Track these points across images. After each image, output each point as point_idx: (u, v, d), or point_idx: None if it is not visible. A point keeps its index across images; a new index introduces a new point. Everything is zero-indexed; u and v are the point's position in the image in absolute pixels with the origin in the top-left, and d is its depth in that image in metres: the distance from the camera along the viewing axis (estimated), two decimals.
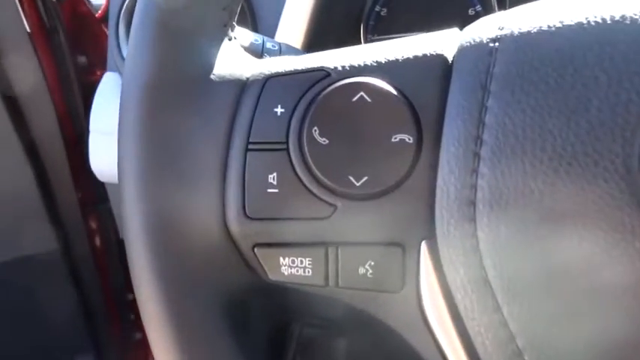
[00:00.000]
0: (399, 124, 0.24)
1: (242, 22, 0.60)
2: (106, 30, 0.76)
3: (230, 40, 0.29)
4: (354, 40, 0.64)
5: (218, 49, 0.27)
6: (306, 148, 0.25)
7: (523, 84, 0.22)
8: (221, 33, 0.28)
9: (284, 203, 0.26)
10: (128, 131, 0.26)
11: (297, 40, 0.55)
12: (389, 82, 0.25)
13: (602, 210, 0.20)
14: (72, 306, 0.88)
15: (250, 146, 0.26)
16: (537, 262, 0.22)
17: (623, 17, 0.21)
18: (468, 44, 0.24)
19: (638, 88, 0.20)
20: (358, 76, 0.25)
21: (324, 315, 0.31)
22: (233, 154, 0.26)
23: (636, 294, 0.20)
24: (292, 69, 0.27)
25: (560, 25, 0.22)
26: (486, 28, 0.24)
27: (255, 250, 0.27)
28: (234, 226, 0.26)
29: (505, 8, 0.59)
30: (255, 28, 0.64)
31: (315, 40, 0.56)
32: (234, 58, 0.28)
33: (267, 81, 0.27)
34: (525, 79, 0.22)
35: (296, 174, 0.25)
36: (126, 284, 0.90)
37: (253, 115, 0.26)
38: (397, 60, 0.25)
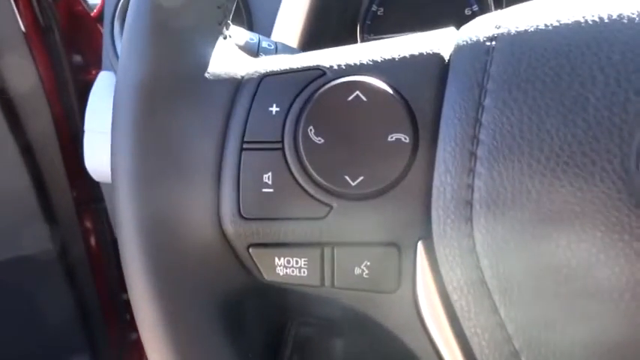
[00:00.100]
0: (395, 124, 0.24)
1: (238, 21, 0.60)
2: (101, 29, 0.76)
3: (225, 38, 0.28)
4: (351, 40, 0.64)
5: (213, 48, 0.27)
6: (301, 148, 0.25)
7: (520, 83, 0.22)
8: (216, 31, 0.28)
9: (279, 203, 0.25)
10: (122, 130, 0.26)
11: (293, 39, 0.55)
12: (385, 81, 0.25)
13: (599, 210, 0.20)
14: (67, 306, 0.87)
15: (245, 145, 0.26)
16: (534, 263, 0.21)
17: (620, 16, 0.21)
18: (465, 43, 0.24)
19: (635, 87, 0.20)
20: (354, 75, 0.25)
21: (320, 315, 0.31)
22: (228, 153, 0.26)
23: (634, 295, 0.20)
24: (288, 68, 0.27)
25: (557, 23, 0.22)
26: (483, 26, 0.24)
27: (250, 250, 0.26)
28: (229, 226, 0.26)
29: (502, 8, 0.59)
30: (250, 27, 0.64)
31: (311, 40, 0.56)
32: (229, 56, 0.28)
33: (263, 80, 0.26)
34: (522, 78, 0.22)
35: (291, 174, 0.25)
36: (121, 284, 0.90)
37: (248, 114, 0.26)
38: (393, 59, 0.25)
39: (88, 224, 0.86)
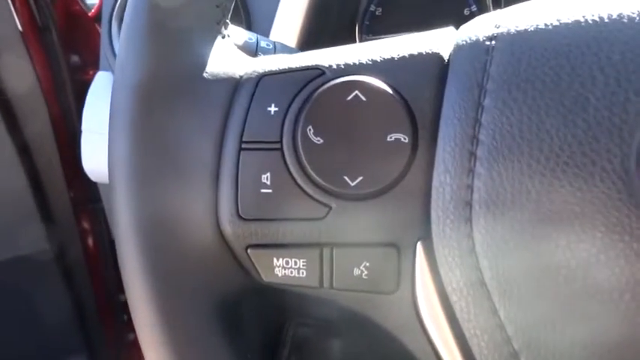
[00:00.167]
0: (395, 124, 0.24)
1: (236, 21, 0.59)
2: (99, 29, 0.75)
3: (223, 37, 0.28)
4: (349, 40, 0.64)
5: (211, 47, 0.27)
6: (300, 148, 0.25)
7: (520, 83, 0.22)
8: (214, 31, 0.27)
9: (278, 204, 0.25)
10: (119, 130, 0.26)
11: (291, 39, 0.55)
12: (384, 81, 0.25)
13: (599, 211, 0.20)
14: (64, 306, 0.87)
15: (244, 145, 0.26)
16: (534, 264, 0.21)
17: (620, 16, 0.21)
18: (464, 43, 0.24)
19: (635, 87, 0.20)
20: (353, 74, 0.25)
21: (319, 315, 0.31)
22: (226, 153, 0.26)
23: (634, 295, 0.20)
24: (286, 67, 0.26)
25: (557, 23, 0.22)
26: (483, 26, 0.24)
27: (249, 251, 0.26)
28: (227, 227, 0.26)
29: (500, 8, 0.59)
30: (249, 27, 0.64)
31: (310, 39, 0.56)
32: (228, 56, 0.28)
33: (261, 79, 0.26)
34: (522, 78, 0.22)
35: (290, 174, 0.25)
36: (119, 285, 0.90)
37: (247, 113, 0.26)
38: (393, 58, 0.25)
39: (86, 224, 0.86)
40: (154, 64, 0.25)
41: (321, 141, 0.25)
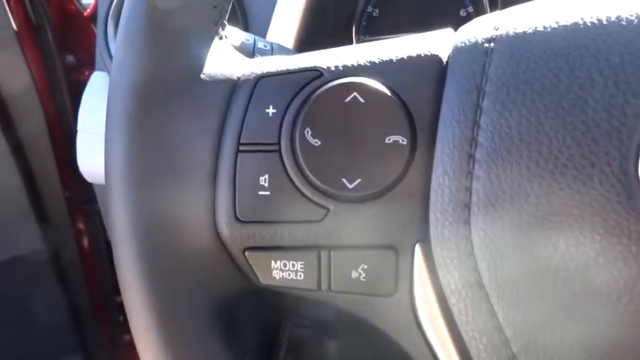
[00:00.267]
0: (393, 126, 0.24)
1: (233, 21, 0.59)
2: (94, 29, 0.75)
3: (221, 39, 0.28)
4: (346, 41, 0.64)
5: (208, 48, 0.27)
6: (298, 150, 0.25)
7: (518, 85, 0.22)
8: (212, 31, 0.27)
9: (275, 206, 0.25)
10: (116, 131, 0.25)
11: (288, 40, 0.55)
12: (383, 83, 0.25)
13: (598, 213, 0.20)
14: (59, 307, 0.87)
15: (241, 147, 0.25)
16: (533, 266, 0.21)
17: (619, 18, 0.21)
18: (463, 44, 0.24)
19: (634, 90, 0.20)
20: (351, 76, 0.25)
21: (316, 316, 0.31)
22: (224, 155, 0.26)
23: (632, 298, 0.20)
24: (284, 69, 0.26)
25: (555, 25, 0.22)
26: (481, 28, 0.24)
27: (246, 253, 0.26)
28: (225, 230, 0.26)
29: (497, 9, 0.59)
30: (246, 28, 0.63)
31: (307, 41, 0.56)
32: (225, 57, 0.28)
33: (259, 81, 0.26)
34: (521, 80, 0.22)
35: (288, 176, 0.25)
36: (114, 286, 0.89)
37: (244, 115, 0.26)
38: (391, 60, 0.25)
39: (81, 225, 0.86)
40: (152, 65, 0.25)
41: (319, 143, 0.25)
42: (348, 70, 0.25)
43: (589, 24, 0.22)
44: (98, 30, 0.68)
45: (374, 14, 0.63)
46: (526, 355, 0.22)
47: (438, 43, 0.25)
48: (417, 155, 0.24)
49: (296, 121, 0.25)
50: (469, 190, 0.22)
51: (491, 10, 0.60)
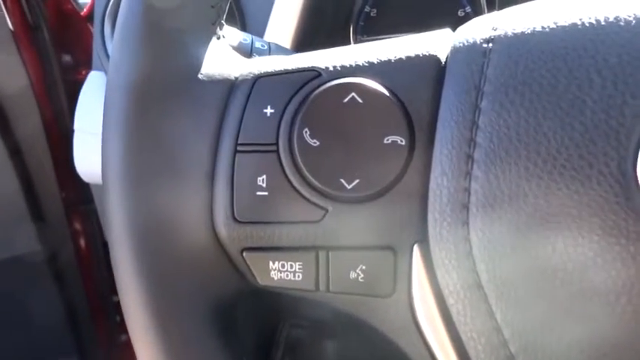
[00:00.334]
0: (391, 126, 0.24)
1: (230, 21, 0.59)
2: (91, 28, 0.75)
3: (218, 38, 0.28)
4: (344, 41, 0.64)
5: (206, 48, 0.27)
6: (296, 150, 0.25)
7: (517, 85, 0.22)
8: (209, 31, 0.27)
9: (273, 206, 0.25)
10: (113, 131, 0.25)
11: (286, 40, 0.55)
12: (381, 83, 0.24)
13: (596, 214, 0.20)
14: (56, 307, 0.87)
15: (239, 148, 0.25)
16: (531, 267, 0.21)
17: (617, 18, 0.21)
18: (462, 45, 0.24)
19: (632, 90, 0.20)
20: (350, 76, 0.25)
21: (314, 317, 0.31)
22: (221, 155, 0.25)
23: (630, 298, 0.20)
24: (282, 69, 0.26)
25: (554, 25, 0.22)
26: (480, 28, 0.24)
27: (244, 254, 0.26)
28: (223, 230, 0.26)
29: (494, 9, 0.59)
30: (243, 27, 0.63)
31: (305, 41, 0.56)
32: (223, 57, 0.27)
33: (257, 81, 0.26)
34: (519, 81, 0.22)
35: (286, 176, 0.25)
36: (111, 286, 0.89)
37: (242, 115, 0.26)
38: (389, 60, 0.25)
39: (78, 226, 0.86)
40: (149, 64, 0.25)
41: (318, 143, 0.24)
42: (347, 71, 0.25)
43: (587, 24, 0.22)
44: (95, 29, 0.68)
45: (371, 14, 0.63)
46: (524, 355, 0.22)
47: (437, 43, 0.25)
48: (416, 156, 0.24)
49: (294, 121, 0.25)
50: (468, 190, 0.22)
51: (488, 11, 0.60)
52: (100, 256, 0.89)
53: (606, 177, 0.20)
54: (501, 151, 0.21)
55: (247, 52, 0.34)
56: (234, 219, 0.25)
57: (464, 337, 0.24)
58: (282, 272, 0.26)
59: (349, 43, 0.64)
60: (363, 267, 0.25)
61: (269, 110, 0.25)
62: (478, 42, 0.23)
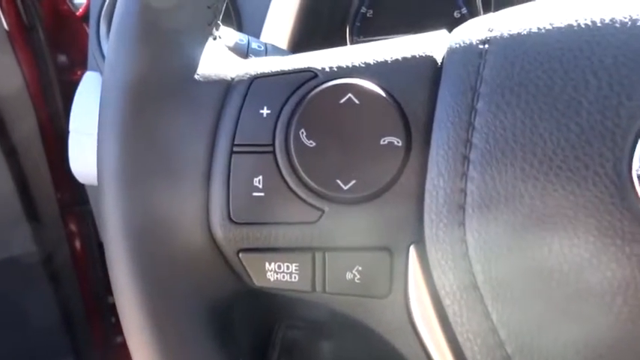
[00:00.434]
0: (388, 127, 0.24)
1: (226, 22, 0.59)
2: (86, 29, 0.75)
3: (215, 39, 0.28)
4: (340, 41, 0.64)
5: (202, 49, 0.27)
6: (292, 151, 0.24)
7: (513, 86, 0.22)
8: (206, 32, 0.27)
9: (270, 207, 0.25)
10: (108, 131, 0.25)
11: (282, 40, 0.55)
12: (377, 84, 0.24)
13: (592, 214, 0.20)
14: (51, 309, 0.86)
15: (235, 148, 0.25)
16: (527, 267, 0.21)
17: (612, 20, 0.21)
18: (458, 46, 0.24)
19: (628, 92, 0.20)
20: (346, 77, 0.25)
21: (310, 318, 0.31)
22: (218, 156, 0.25)
23: (626, 299, 0.20)
24: (279, 69, 0.26)
25: (550, 27, 0.22)
26: (476, 29, 0.24)
27: (240, 255, 0.26)
28: (219, 231, 0.25)
29: (490, 11, 0.59)
30: (239, 28, 0.63)
31: (301, 41, 0.56)
32: (219, 57, 0.27)
33: (253, 81, 0.26)
34: (515, 82, 0.22)
35: (282, 177, 0.25)
36: (106, 287, 0.89)
37: (238, 116, 0.26)
38: (386, 61, 0.25)
39: (73, 227, 0.85)
40: (145, 65, 0.25)
41: (314, 144, 0.24)
42: (343, 71, 0.25)
43: (583, 26, 0.22)
44: (90, 30, 0.68)
45: (368, 15, 0.64)
46: (520, 356, 0.22)
47: (433, 44, 0.25)
48: (412, 156, 0.24)
49: (290, 122, 0.25)
50: (464, 191, 0.22)
51: (484, 12, 0.60)
52: (96, 257, 0.89)
53: (602, 178, 0.20)
54: (497, 152, 0.21)
55: (243, 52, 0.34)
56: (230, 220, 0.25)
57: (460, 338, 0.24)
58: (278, 273, 0.26)
59: (345, 44, 0.64)
60: (360, 268, 0.25)
61: (265, 111, 0.25)
62: (474, 43, 0.23)
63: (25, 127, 0.76)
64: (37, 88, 0.76)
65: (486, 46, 0.23)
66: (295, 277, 0.25)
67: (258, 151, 0.25)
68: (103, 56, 0.66)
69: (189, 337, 0.26)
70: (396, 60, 0.25)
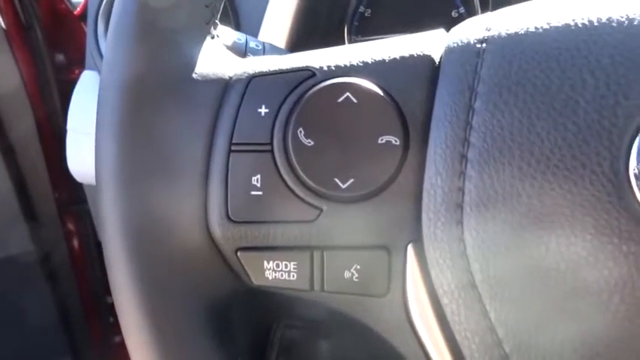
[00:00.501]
0: (386, 126, 0.24)
1: (224, 21, 0.59)
2: (84, 27, 0.75)
3: (212, 38, 0.28)
4: (338, 41, 0.64)
5: (200, 47, 0.27)
6: (290, 150, 0.25)
7: (510, 86, 0.22)
8: (204, 31, 0.27)
9: (268, 206, 0.25)
10: (106, 130, 0.25)
11: (280, 40, 0.55)
12: (375, 83, 0.25)
13: (589, 213, 0.20)
14: (49, 308, 0.86)
15: (233, 147, 0.25)
16: (525, 266, 0.21)
17: (609, 19, 0.21)
18: (455, 45, 0.24)
19: (625, 91, 0.20)
20: (344, 76, 0.25)
21: (308, 317, 0.31)
22: (216, 155, 0.25)
23: (623, 297, 0.20)
24: (277, 68, 0.26)
25: (547, 26, 0.22)
26: (473, 29, 0.24)
27: (239, 254, 0.26)
28: (217, 230, 0.25)
29: (488, 10, 0.59)
30: (237, 27, 0.63)
31: (299, 40, 0.56)
32: (217, 56, 0.27)
33: (251, 80, 0.26)
34: (513, 81, 0.22)
35: (280, 176, 0.25)
36: (105, 287, 0.89)
37: (237, 115, 0.26)
38: (384, 60, 0.25)
39: (71, 226, 0.85)
40: (143, 63, 0.25)
41: (312, 143, 0.24)
42: (341, 70, 0.25)
43: (580, 25, 0.22)
44: (88, 29, 0.68)
45: (366, 14, 0.64)
46: (518, 354, 0.22)
47: (431, 43, 0.25)
48: (410, 155, 0.24)
49: (288, 121, 0.25)
50: (462, 190, 0.22)
51: (482, 11, 0.60)
52: (94, 257, 0.89)
53: (599, 177, 0.20)
54: (495, 151, 0.22)
55: (241, 51, 0.34)
56: (229, 218, 0.25)
57: (458, 337, 0.24)
58: (276, 272, 0.26)
59: (343, 43, 0.64)
60: (358, 266, 0.25)
61: (263, 110, 0.25)
62: (472, 42, 0.23)
63: (23, 126, 0.76)
64: (34, 87, 0.76)
65: (484, 45, 0.23)
66: (293, 276, 0.26)
67: (256, 150, 0.25)
68: (100, 55, 0.66)
69: (187, 336, 0.26)
70: (394, 59, 0.25)
